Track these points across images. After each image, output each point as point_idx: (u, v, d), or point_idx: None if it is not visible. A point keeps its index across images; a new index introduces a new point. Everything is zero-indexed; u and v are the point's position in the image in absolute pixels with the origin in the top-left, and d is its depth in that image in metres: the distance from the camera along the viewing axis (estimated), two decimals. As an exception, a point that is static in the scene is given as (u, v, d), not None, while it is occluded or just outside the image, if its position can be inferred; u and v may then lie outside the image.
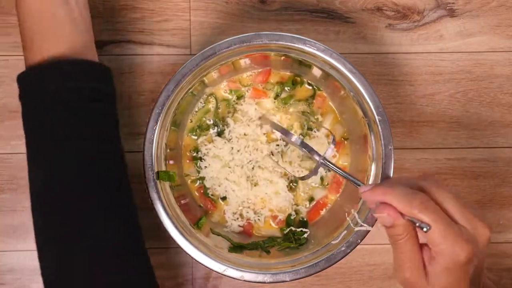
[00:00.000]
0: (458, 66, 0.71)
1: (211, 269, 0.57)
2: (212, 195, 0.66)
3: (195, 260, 0.57)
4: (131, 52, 0.70)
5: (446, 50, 0.71)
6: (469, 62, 0.71)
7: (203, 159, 0.65)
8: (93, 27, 0.69)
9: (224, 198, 0.66)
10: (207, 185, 0.66)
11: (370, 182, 0.59)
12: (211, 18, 0.70)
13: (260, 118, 0.65)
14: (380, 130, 0.57)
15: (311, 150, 0.57)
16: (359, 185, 0.51)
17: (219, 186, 0.65)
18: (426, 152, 0.70)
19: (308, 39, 0.58)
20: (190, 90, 0.60)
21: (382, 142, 0.57)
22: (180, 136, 0.65)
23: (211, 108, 0.66)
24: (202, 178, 0.66)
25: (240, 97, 0.66)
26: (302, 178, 0.61)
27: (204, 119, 0.66)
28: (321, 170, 0.66)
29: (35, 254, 0.69)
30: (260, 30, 0.67)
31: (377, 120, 0.57)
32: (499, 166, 0.71)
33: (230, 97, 0.66)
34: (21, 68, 0.69)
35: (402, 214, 0.46)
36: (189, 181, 0.66)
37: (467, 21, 0.71)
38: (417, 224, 0.45)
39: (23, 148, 0.68)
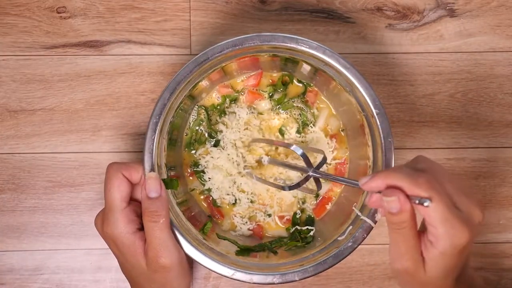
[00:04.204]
0: (458, 66, 0.71)
1: (220, 274, 0.57)
2: (221, 203, 0.66)
3: (204, 266, 0.57)
4: (131, 52, 0.70)
5: (446, 50, 0.71)
6: (469, 62, 0.71)
7: (205, 171, 0.65)
8: (93, 27, 0.69)
9: (234, 204, 0.66)
10: (215, 196, 0.65)
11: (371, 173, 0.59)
12: (211, 18, 0.70)
13: (249, 143, 0.65)
14: (379, 124, 0.57)
15: (308, 163, 0.57)
16: (357, 185, 0.50)
17: (228, 195, 0.65)
18: (426, 152, 0.70)
19: (300, 38, 0.57)
20: (181, 106, 0.60)
21: (381, 135, 0.57)
22: (178, 153, 0.65)
23: (204, 119, 0.66)
24: (209, 190, 0.65)
25: (233, 100, 0.66)
26: (290, 188, 0.60)
27: (198, 130, 0.66)
28: (325, 168, 0.66)
29: (35, 254, 0.69)
30: (260, 30, 0.67)
31: (375, 114, 0.57)
32: (499, 166, 0.71)
33: (222, 102, 0.66)
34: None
35: (408, 199, 0.45)
36: (196, 193, 0.66)
37: (467, 21, 0.71)
38: (417, 201, 0.44)
39: (22, 148, 0.69)
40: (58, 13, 0.70)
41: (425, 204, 0.44)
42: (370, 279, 0.70)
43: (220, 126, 0.65)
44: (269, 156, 0.65)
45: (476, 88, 0.71)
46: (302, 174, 0.62)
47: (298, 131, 0.65)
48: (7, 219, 0.69)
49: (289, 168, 0.62)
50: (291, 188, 0.59)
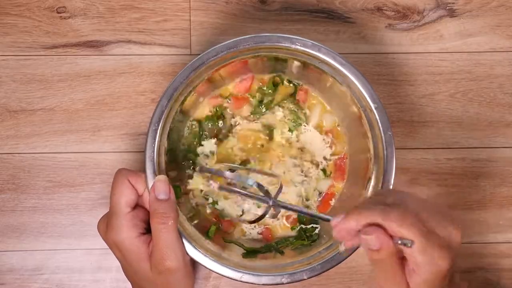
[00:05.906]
0: (458, 66, 0.71)
1: (228, 277, 0.57)
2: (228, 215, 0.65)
3: (211, 270, 0.57)
4: (131, 52, 0.70)
5: (446, 50, 0.71)
6: (469, 62, 0.71)
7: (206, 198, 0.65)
8: (93, 27, 0.69)
9: (241, 215, 0.65)
10: (220, 208, 0.65)
11: (372, 171, 0.59)
12: (211, 18, 0.70)
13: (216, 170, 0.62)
14: (378, 118, 0.57)
15: (266, 193, 0.53)
16: (328, 220, 0.48)
17: (234, 209, 0.65)
18: (426, 152, 0.70)
19: (295, 37, 0.57)
20: (176, 118, 0.60)
21: (381, 129, 0.57)
22: (178, 162, 0.64)
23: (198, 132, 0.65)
24: (214, 203, 0.65)
25: (220, 117, 0.65)
26: (251, 222, 0.58)
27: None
28: (324, 164, 0.66)
29: (35, 254, 0.69)
30: (260, 30, 0.67)
31: (373, 108, 0.57)
32: (499, 166, 0.71)
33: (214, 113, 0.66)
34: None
35: (391, 237, 0.44)
36: (202, 208, 0.66)
37: (467, 21, 0.71)
38: (399, 242, 0.44)
39: (22, 148, 0.69)
40: (58, 13, 0.70)
41: (408, 245, 0.44)
42: (370, 279, 0.70)
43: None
44: (238, 172, 0.63)
45: (476, 88, 0.71)
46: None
47: (290, 130, 0.65)
48: (7, 219, 0.69)
49: (247, 197, 0.58)
50: (251, 222, 0.58)
